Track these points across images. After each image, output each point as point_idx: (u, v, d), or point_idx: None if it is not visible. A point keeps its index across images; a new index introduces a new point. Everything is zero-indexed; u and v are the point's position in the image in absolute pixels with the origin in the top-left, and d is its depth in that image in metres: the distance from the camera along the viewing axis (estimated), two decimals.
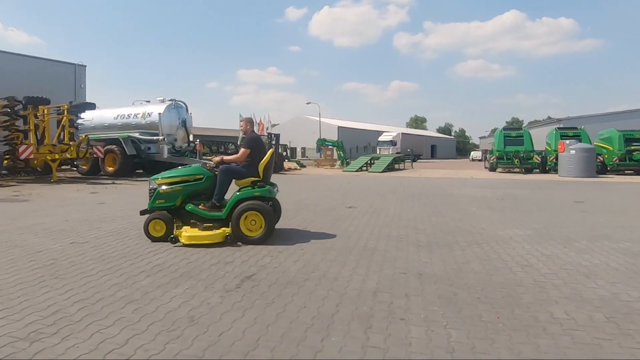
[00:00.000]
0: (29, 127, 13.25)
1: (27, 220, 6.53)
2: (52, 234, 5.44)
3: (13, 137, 13.46)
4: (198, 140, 15.98)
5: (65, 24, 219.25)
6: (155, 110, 15.68)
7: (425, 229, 5.96)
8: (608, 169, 20.84)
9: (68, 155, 13.18)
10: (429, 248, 4.81)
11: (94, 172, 15.96)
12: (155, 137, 15.34)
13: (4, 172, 12.77)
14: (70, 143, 13.47)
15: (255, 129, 25.77)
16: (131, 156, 15.54)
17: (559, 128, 23.03)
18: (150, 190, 5.19)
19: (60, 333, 2.52)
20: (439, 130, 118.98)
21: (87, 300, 3.08)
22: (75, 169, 16.06)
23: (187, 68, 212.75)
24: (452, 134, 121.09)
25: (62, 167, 15.46)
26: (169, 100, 16.25)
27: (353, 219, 6.80)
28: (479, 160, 54.40)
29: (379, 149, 46.40)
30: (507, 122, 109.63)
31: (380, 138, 49.86)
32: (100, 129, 16.34)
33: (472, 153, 60.41)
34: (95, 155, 14.17)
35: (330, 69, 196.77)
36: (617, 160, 20.45)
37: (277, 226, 5.99)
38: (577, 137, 21.47)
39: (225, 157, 5.38)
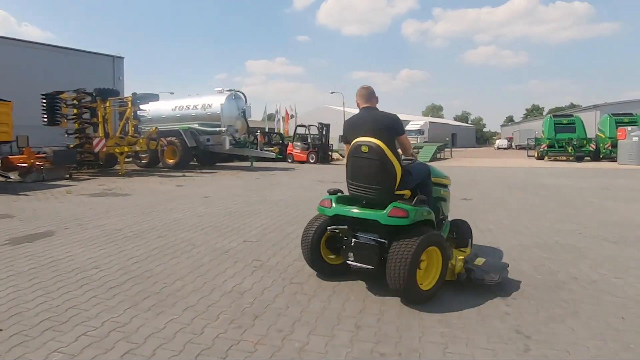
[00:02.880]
0: (98, 120, 13.08)
1: (169, 215, 6.22)
2: (227, 234, 5.17)
3: (82, 130, 13.32)
4: (259, 131, 15.73)
5: (75, 19, 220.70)
6: (215, 101, 15.39)
7: (582, 223, 5.65)
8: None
9: (138, 148, 12.99)
10: (635, 245, 4.48)
11: (152, 165, 15.85)
12: (216, 129, 15.10)
13: (73, 165, 12.63)
14: (137, 135, 13.27)
15: (280, 119, 25.01)
16: (191, 148, 15.34)
17: (613, 114, 22.34)
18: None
19: None
20: (456, 119, 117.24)
21: None
22: (139, 161, 15.91)
23: (196, 60, 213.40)
24: (469, 122, 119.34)
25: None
26: (228, 91, 15.97)
27: (491, 212, 6.49)
28: (504, 149, 53.50)
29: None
30: (526, 110, 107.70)
31: (408, 127, 49.20)
32: (157, 121, 16.08)
33: (497, 141, 59.40)
34: (163, 148, 14.02)
35: (339, 58, 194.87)
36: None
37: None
38: (634, 123, 20.80)
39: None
